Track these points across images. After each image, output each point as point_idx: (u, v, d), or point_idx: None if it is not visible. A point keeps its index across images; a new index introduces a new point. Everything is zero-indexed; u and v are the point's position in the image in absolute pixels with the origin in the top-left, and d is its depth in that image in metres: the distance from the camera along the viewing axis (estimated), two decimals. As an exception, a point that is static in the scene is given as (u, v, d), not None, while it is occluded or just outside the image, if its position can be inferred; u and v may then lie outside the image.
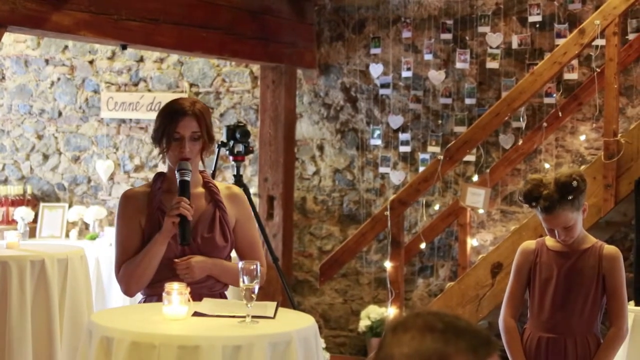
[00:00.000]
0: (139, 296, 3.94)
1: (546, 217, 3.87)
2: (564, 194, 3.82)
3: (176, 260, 3.76)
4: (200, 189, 3.88)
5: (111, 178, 8.69)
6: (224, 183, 4.01)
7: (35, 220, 8.37)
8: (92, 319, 3.39)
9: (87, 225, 8.42)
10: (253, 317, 3.31)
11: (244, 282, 3.31)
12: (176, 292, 3.36)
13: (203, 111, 3.81)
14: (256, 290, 3.32)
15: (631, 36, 6.88)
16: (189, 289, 3.39)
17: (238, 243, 3.91)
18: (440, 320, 1.74)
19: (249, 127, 6.63)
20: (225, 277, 3.86)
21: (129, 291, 3.84)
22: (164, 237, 3.72)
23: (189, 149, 3.76)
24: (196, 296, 3.50)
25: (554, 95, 7.11)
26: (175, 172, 3.77)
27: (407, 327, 1.75)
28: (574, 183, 3.82)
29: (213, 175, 5.76)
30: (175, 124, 3.75)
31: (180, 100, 3.85)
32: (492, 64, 7.32)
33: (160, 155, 3.87)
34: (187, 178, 3.75)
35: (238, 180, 5.74)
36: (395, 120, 7.67)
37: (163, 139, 3.78)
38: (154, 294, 3.78)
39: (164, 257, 3.75)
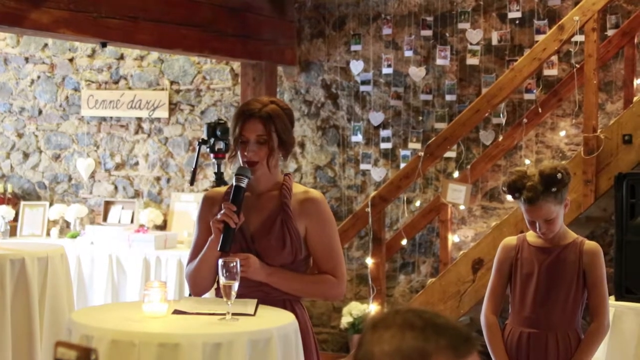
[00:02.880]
0: None
1: (529, 208, 3.87)
2: (548, 186, 3.83)
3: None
4: (275, 192, 3.67)
5: (92, 176, 8.65)
6: (304, 187, 3.75)
7: (15, 219, 8.33)
8: (71, 318, 3.38)
9: (68, 224, 8.39)
10: (233, 314, 3.30)
11: (223, 279, 3.30)
12: (156, 290, 3.35)
13: (273, 114, 3.59)
14: (235, 288, 3.31)
15: (610, 32, 6.90)
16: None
17: (311, 251, 3.68)
18: (420, 317, 1.74)
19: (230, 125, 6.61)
20: (285, 286, 3.65)
21: (191, 291, 3.78)
22: (214, 242, 3.57)
23: (253, 152, 3.59)
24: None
25: (534, 91, 7.13)
26: (234, 175, 3.62)
27: (387, 324, 1.74)
28: (559, 175, 3.83)
29: (194, 173, 5.74)
30: (242, 126, 3.60)
31: (252, 101, 3.67)
32: (472, 61, 7.33)
33: (229, 157, 3.72)
34: (242, 184, 3.57)
35: (219, 178, 5.73)
36: (376, 117, 7.67)
37: (234, 142, 3.65)
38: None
39: None
